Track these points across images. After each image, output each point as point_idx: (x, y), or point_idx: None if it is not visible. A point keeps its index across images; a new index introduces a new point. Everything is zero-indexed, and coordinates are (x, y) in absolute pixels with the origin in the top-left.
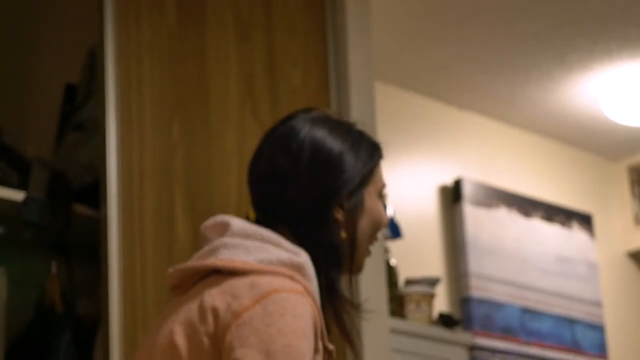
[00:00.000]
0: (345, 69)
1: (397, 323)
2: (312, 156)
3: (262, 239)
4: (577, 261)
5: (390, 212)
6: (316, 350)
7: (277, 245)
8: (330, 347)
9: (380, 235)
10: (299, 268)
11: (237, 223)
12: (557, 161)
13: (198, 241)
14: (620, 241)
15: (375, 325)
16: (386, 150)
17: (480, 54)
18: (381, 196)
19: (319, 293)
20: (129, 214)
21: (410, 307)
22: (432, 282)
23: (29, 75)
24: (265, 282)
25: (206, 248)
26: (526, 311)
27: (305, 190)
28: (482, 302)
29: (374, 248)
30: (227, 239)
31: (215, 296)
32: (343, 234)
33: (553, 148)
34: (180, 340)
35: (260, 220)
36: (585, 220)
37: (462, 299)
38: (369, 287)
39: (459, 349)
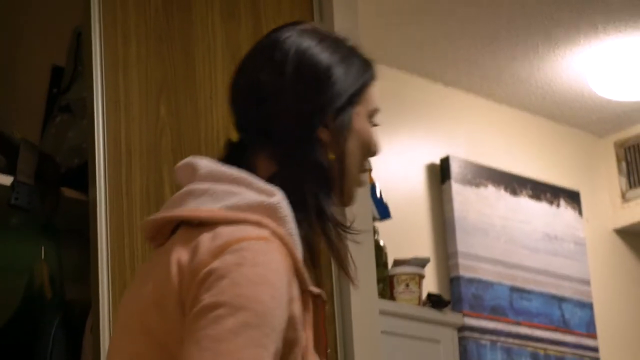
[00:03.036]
0: None
1: (387, 304)
2: (297, 68)
3: (232, 181)
4: (565, 239)
5: (377, 191)
6: (291, 299)
7: (248, 186)
8: (316, 290)
9: (368, 164)
10: (270, 211)
11: (205, 165)
12: (543, 138)
13: None
14: (608, 218)
15: (364, 307)
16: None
17: (465, 30)
18: (372, 120)
19: (309, 224)
20: (118, 196)
21: (399, 289)
22: (422, 262)
23: (15, 58)
24: (227, 232)
25: (175, 196)
26: (515, 290)
27: (288, 104)
28: (471, 281)
29: (362, 227)
30: (194, 186)
31: (181, 252)
32: (331, 155)
33: (540, 125)
34: (152, 309)
35: (242, 142)
36: (572, 198)
37: (451, 279)
38: (358, 268)
39: (448, 329)
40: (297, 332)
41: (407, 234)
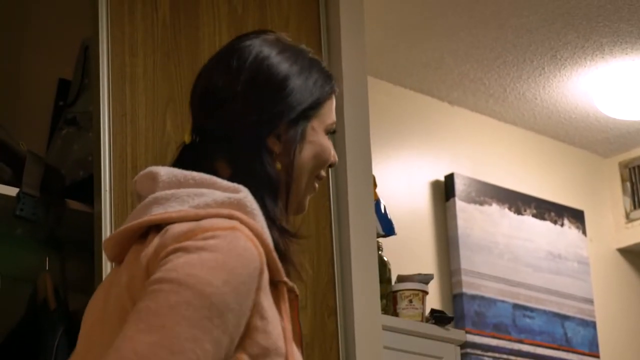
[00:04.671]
0: (338, 64)
1: (390, 320)
2: (253, 76)
3: (196, 184)
4: (568, 257)
5: (382, 207)
6: (259, 288)
7: (211, 186)
8: (290, 283)
9: (323, 173)
10: (238, 205)
11: (166, 172)
12: (548, 157)
13: None
14: (612, 238)
15: (367, 323)
16: (378, 145)
17: (472, 50)
18: (329, 134)
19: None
20: (123, 208)
21: (402, 305)
22: (425, 279)
23: (21, 71)
24: (196, 223)
25: (139, 207)
26: (518, 308)
27: (240, 112)
28: (474, 298)
29: (366, 243)
30: (158, 193)
31: (149, 252)
32: (278, 165)
33: (545, 144)
34: (125, 294)
35: (200, 146)
36: (576, 217)
37: (454, 296)
38: (362, 284)
39: (451, 346)
40: (266, 321)
41: (411, 251)
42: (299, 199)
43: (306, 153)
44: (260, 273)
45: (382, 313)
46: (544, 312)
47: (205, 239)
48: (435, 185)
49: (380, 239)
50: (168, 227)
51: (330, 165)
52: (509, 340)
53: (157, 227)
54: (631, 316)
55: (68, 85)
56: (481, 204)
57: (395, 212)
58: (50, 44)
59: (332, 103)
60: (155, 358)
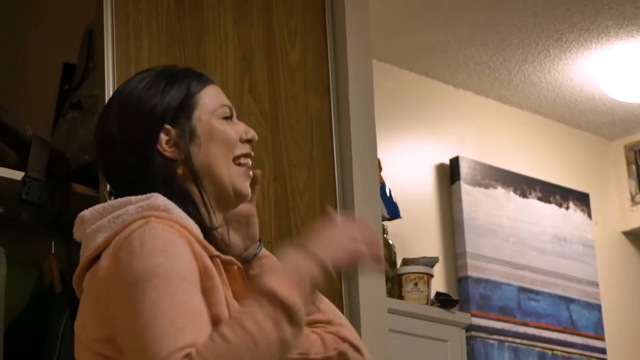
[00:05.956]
0: (343, 48)
1: (395, 303)
2: (117, 111)
3: (114, 208)
4: (573, 241)
5: (387, 191)
6: (195, 254)
7: (126, 204)
8: (225, 257)
9: (245, 148)
10: (149, 208)
11: (89, 211)
12: (554, 140)
13: None
14: (617, 221)
15: (372, 306)
16: (383, 128)
17: (477, 33)
18: (222, 117)
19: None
20: None
21: (407, 288)
22: (431, 262)
23: (26, 55)
24: (117, 239)
25: (81, 252)
26: (523, 291)
27: (124, 143)
28: (479, 281)
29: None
30: (87, 231)
31: (98, 279)
32: (179, 170)
33: (550, 127)
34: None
35: (112, 193)
36: (582, 200)
37: (459, 279)
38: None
39: (456, 329)
40: (213, 279)
41: (416, 234)
42: (227, 187)
43: (205, 146)
44: (189, 243)
45: (388, 296)
46: (549, 295)
47: (129, 244)
48: (441, 168)
49: (386, 222)
50: (102, 254)
51: (249, 141)
52: (514, 323)
53: (97, 258)
54: (636, 299)
55: (73, 69)
56: (486, 187)
57: (401, 195)
58: (55, 28)
59: (211, 92)
60: (173, 333)
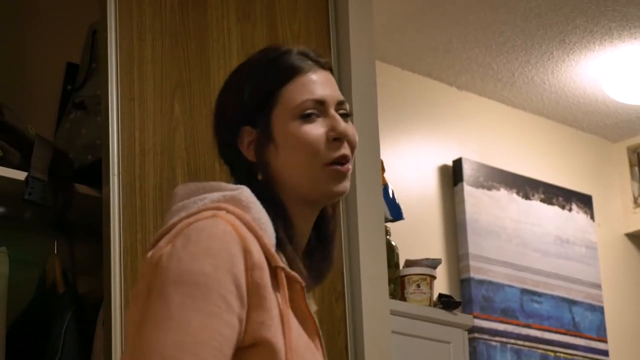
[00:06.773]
0: (346, 49)
1: (397, 305)
2: (217, 100)
3: (204, 190)
4: (576, 242)
5: (390, 192)
6: (248, 268)
7: (216, 189)
8: (291, 272)
9: (336, 150)
10: (231, 200)
11: (182, 188)
12: (556, 142)
13: None
14: (620, 222)
15: (375, 307)
16: (386, 129)
17: (480, 34)
18: (301, 115)
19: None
20: (131, 192)
21: (410, 289)
22: (433, 263)
23: (29, 55)
24: (185, 222)
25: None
26: (525, 293)
27: (220, 138)
28: (482, 283)
29: (374, 227)
30: (173, 207)
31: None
32: (259, 175)
33: (553, 129)
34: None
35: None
36: (584, 202)
37: (462, 281)
38: (370, 268)
39: (458, 330)
40: (265, 300)
41: (419, 235)
42: (314, 191)
43: (283, 152)
44: (246, 252)
45: (390, 297)
46: (552, 297)
47: (188, 234)
48: (444, 169)
49: (388, 224)
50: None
51: (337, 140)
52: (517, 325)
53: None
54: (639, 301)
55: (76, 69)
56: (489, 188)
57: (404, 196)
58: (59, 27)
59: (299, 84)
60: (183, 356)
